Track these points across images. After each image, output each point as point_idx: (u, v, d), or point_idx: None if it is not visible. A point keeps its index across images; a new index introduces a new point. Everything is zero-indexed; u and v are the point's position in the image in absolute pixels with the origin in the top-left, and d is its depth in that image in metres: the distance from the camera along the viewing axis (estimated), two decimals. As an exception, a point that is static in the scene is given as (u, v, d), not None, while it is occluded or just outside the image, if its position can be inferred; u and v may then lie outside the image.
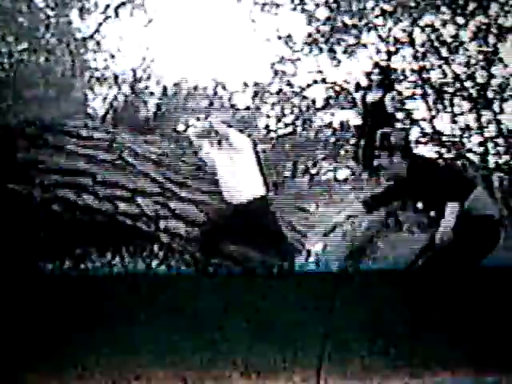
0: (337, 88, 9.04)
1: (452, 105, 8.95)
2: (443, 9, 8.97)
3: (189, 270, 7.21)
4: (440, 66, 9.01)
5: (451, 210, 5.72)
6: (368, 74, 8.84)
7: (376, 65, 8.88)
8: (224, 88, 9.00)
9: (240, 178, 7.51)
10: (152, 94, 9.03)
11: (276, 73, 9.08)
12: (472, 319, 5.80)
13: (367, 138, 7.67)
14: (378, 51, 9.08)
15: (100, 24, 9.04)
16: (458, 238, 5.68)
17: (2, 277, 6.67)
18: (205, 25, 8.70)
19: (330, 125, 9.00)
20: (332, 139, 8.95)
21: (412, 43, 9.04)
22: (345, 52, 9.06)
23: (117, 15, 9.02)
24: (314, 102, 9.13)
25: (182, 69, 8.86)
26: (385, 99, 8.56)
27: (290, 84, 9.10)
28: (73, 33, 8.95)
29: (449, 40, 9.00)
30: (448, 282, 5.83)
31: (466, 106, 8.93)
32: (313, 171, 8.67)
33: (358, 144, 7.99)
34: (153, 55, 8.97)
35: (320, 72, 9.05)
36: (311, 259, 7.38)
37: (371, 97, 8.69)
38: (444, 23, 9.00)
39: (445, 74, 8.98)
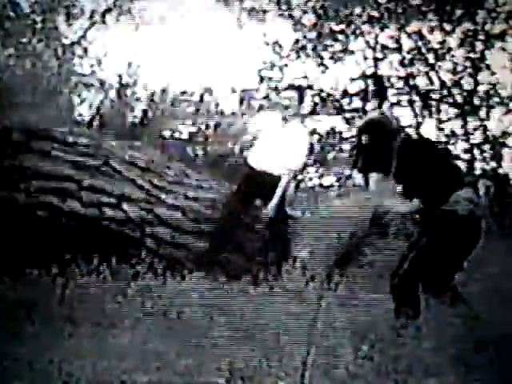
0: (323, 94, 9.06)
1: (439, 111, 8.98)
2: (430, 15, 9.00)
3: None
4: (427, 73, 9.04)
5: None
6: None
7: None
8: (211, 94, 9.01)
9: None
10: (138, 99, 9.04)
11: (263, 79, 9.10)
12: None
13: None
14: (365, 58, 9.09)
15: (86, 29, 9.04)
16: (440, 235, 5.64)
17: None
18: (192, 30, 8.72)
19: (316, 131, 9.02)
20: (319, 145, 8.96)
21: (399, 50, 9.06)
22: (332, 58, 9.07)
23: (103, 21, 9.03)
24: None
25: (169, 74, 8.87)
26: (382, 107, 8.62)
27: (277, 90, 9.11)
28: (59, 38, 8.95)
29: (436, 46, 9.03)
30: None
31: (452, 112, 8.97)
32: (299, 177, 8.67)
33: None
34: (140, 61, 8.98)
35: (306, 78, 9.07)
36: (297, 265, 7.37)
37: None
38: (431, 30, 9.03)
39: (431, 81, 9.01)
